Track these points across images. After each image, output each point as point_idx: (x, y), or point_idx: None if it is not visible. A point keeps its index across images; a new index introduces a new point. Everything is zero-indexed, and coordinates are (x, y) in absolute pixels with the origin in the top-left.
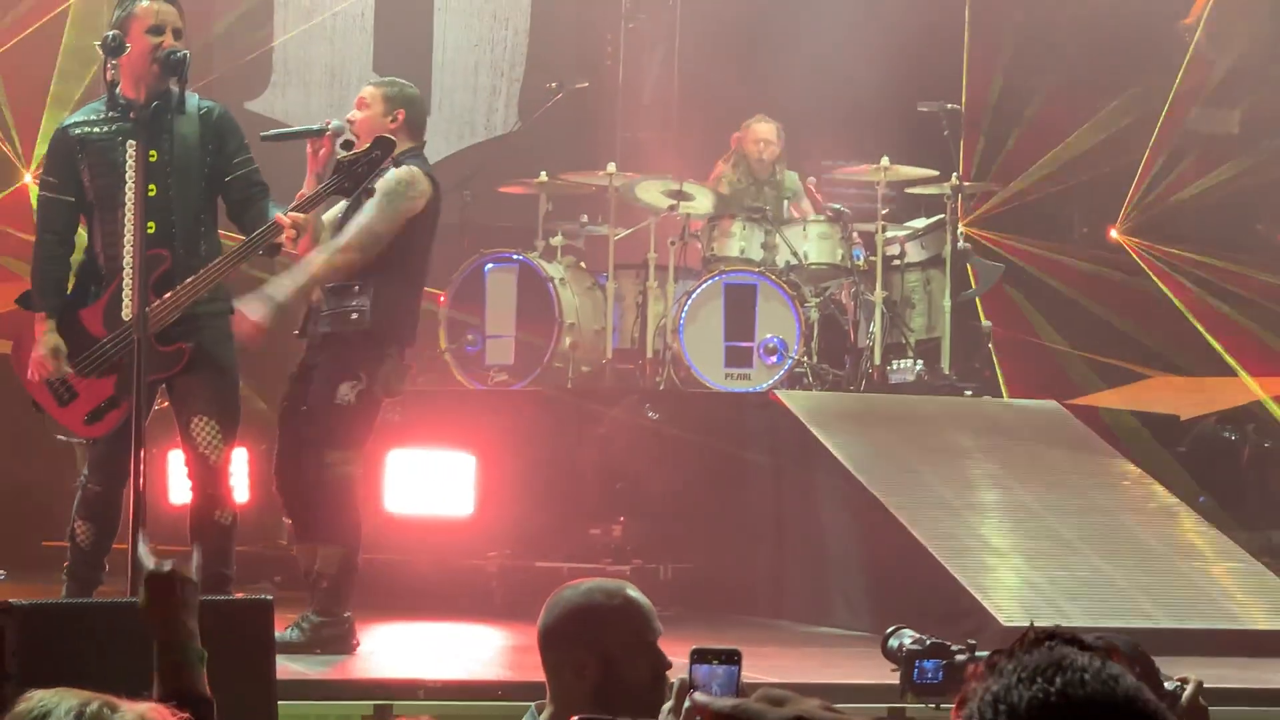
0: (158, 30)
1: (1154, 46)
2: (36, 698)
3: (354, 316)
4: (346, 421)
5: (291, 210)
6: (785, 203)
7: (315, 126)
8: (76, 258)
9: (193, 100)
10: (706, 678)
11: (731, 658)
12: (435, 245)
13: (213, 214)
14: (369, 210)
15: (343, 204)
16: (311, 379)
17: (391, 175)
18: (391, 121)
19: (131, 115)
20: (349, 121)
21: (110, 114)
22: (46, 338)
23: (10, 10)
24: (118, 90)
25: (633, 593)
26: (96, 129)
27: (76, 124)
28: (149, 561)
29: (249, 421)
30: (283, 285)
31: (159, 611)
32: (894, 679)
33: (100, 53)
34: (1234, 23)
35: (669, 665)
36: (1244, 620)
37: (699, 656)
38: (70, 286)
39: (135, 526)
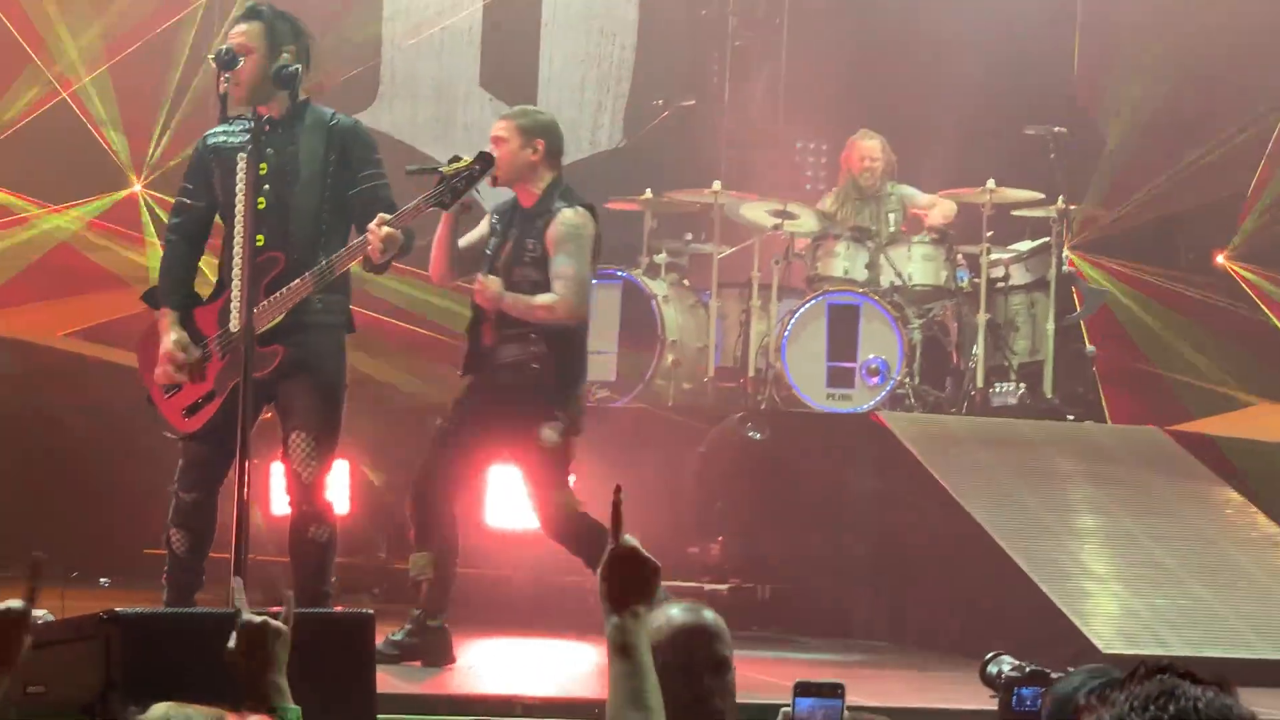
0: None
1: (1266, 68)
2: (160, 712)
3: (534, 366)
4: (560, 462)
5: (387, 223)
6: (892, 217)
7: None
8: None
9: (324, 112)
10: (809, 711)
11: (834, 691)
12: None
13: (337, 224)
14: (572, 259)
15: (482, 230)
16: (489, 424)
17: (569, 219)
18: (533, 153)
19: (266, 128)
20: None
21: (239, 127)
22: (171, 332)
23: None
24: (243, 105)
25: (680, 615)
26: (227, 139)
27: (214, 133)
28: (244, 610)
29: (352, 434)
30: (509, 301)
31: (247, 663)
32: (993, 705)
33: (214, 67)
34: None
35: (706, 694)
36: None
37: (802, 690)
38: (207, 290)
39: (238, 539)
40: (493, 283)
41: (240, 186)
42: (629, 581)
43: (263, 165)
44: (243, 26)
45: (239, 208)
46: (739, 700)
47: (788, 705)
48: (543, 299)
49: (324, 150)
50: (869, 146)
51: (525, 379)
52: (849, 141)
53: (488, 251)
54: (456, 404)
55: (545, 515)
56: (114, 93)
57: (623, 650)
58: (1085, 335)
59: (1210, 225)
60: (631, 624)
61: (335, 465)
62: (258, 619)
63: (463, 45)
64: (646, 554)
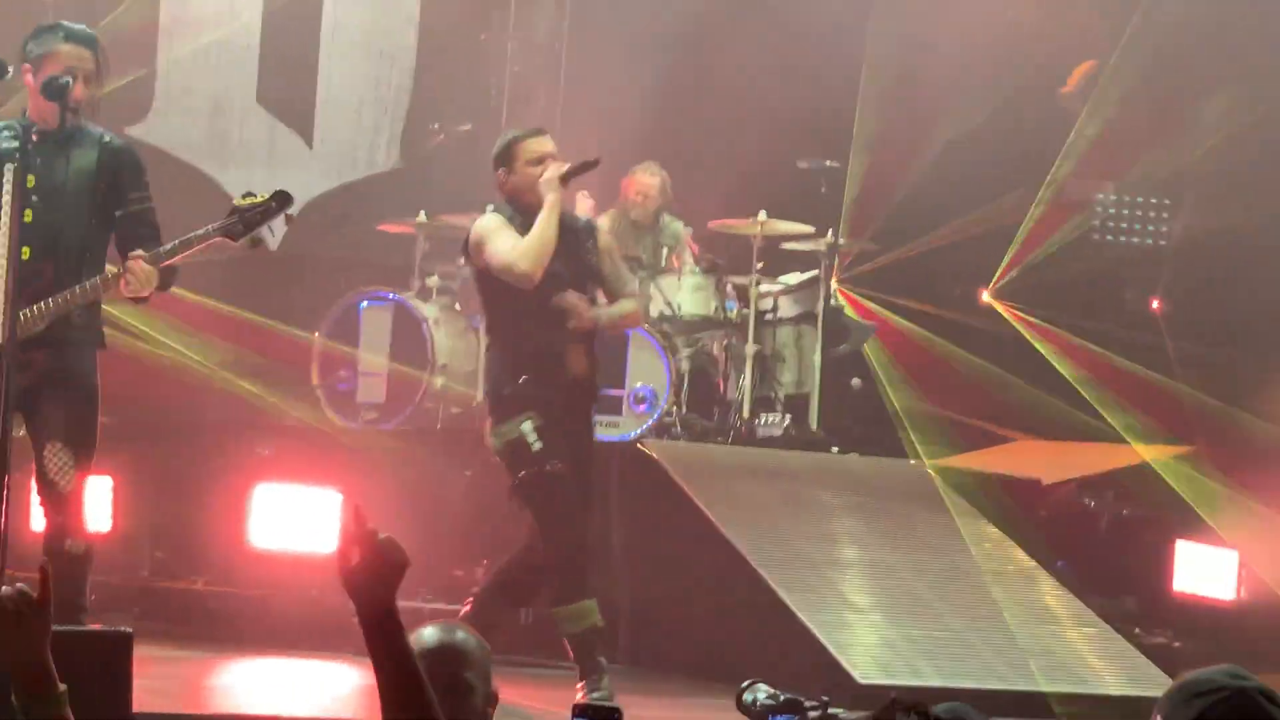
0: (69, 74)
1: (1034, 113)
2: None
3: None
4: None
5: (163, 252)
6: (665, 250)
7: None
8: None
9: (96, 130)
10: None
11: (612, 715)
12: (311, 280)
13: (102, 243)
14: (627, 269)
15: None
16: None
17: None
18: None
19: (34, 139)
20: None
21: (6, 134)
22: None
23: None
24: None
25: (431, 634)
26: None
27: None
28: None
29: (115, 451)
30: (605, 318)
31: (6, 645)
32: None
33: None
34: (1111, 92)
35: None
36: (1097, 685)
37: (580, 711)
38: None
39: None
40: (583, 300)
41: (5, 199)
42: (376, 576)
43: (30, 178)
44: (87, 52)
45: (3, 219)
46: None
47: None
48: (629, 307)
49: (95, 168)
50: (646, 182)
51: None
52: (631, 170)
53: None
54: (559, 434)
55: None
56: None
57: (391, 651)
58: (850, 369)
59: (977, 262)
60: (390, 622)
61: (98, 483)
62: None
63: (240, 60)
64: (397, 545)
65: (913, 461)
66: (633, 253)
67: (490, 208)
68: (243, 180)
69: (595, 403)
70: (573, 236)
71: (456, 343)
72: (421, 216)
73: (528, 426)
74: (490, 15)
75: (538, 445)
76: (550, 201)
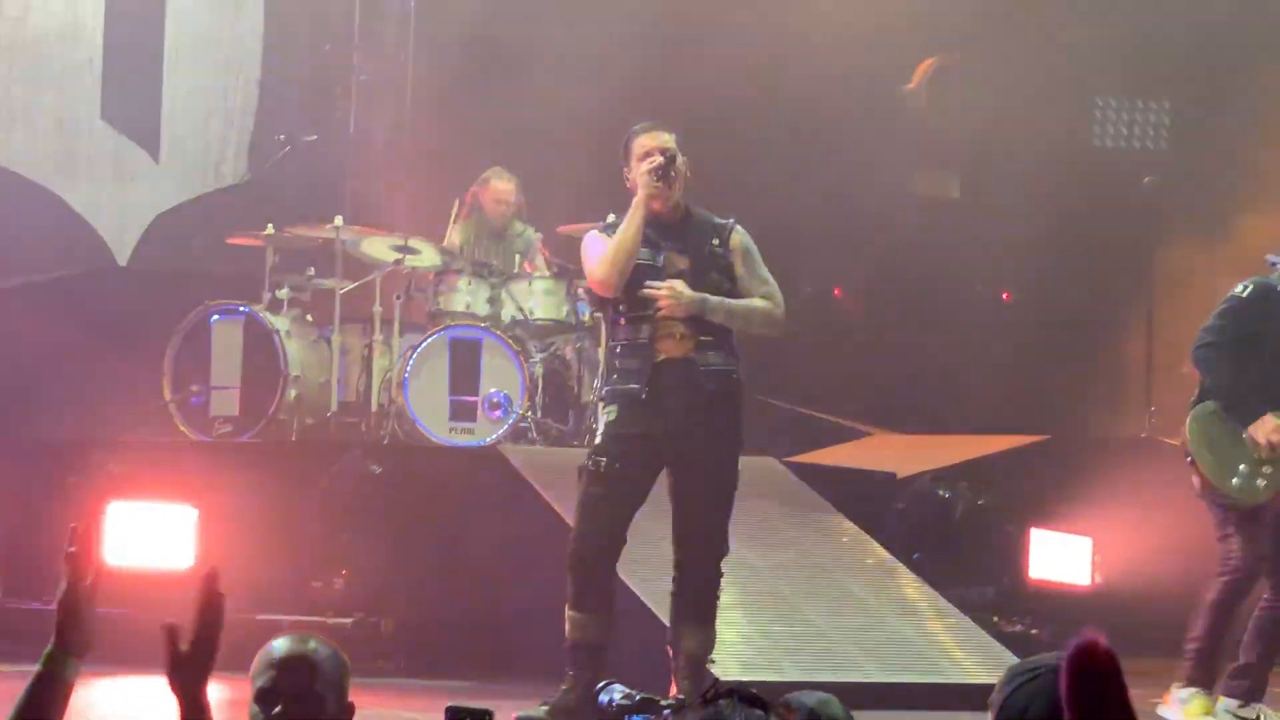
0: None
1: (877, 110)
2: None
3: (737, 376)
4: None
5: None
6: (518, 257)
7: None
8: None
9: None
10: None
11: (485, 717)
12: (161, 295)
13: None
14: (764, 268)
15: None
16: (708, 439)
17: (745, 231)
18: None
19: None
20: None
21: None
22: None
23: None
24: None
25: (283, 644)
26: None
27: None
28: None
29: None
30: (716, 303)
31: None
32: None
33: None
34: (955, 88)
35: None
36: (956, 674)
37: (453, 714)
38: None
39: None
40: (686, 288)
41: None
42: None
43: None
44: None
45: None
46: None
47: None
48: (764, 303)
49: None
50: (503, 188)
51: (732, 388)
52: (482, 177)
53: (641, 261)
54: (628, 437)
55: (717, 537)
56: None
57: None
58: None
59: (828, 259)
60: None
61: None
62: None
63: (83, 77)
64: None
65: (769, 458)
66: (487, 259)
67: (610, 216)
68: (91, 196)
69: (703, 381)
70: (697, 233)
71: (309, 354)
72: (269, 228)
73: (605, 419)
74: (335, 25)
75: (600, 439)
76: (636, 200)
